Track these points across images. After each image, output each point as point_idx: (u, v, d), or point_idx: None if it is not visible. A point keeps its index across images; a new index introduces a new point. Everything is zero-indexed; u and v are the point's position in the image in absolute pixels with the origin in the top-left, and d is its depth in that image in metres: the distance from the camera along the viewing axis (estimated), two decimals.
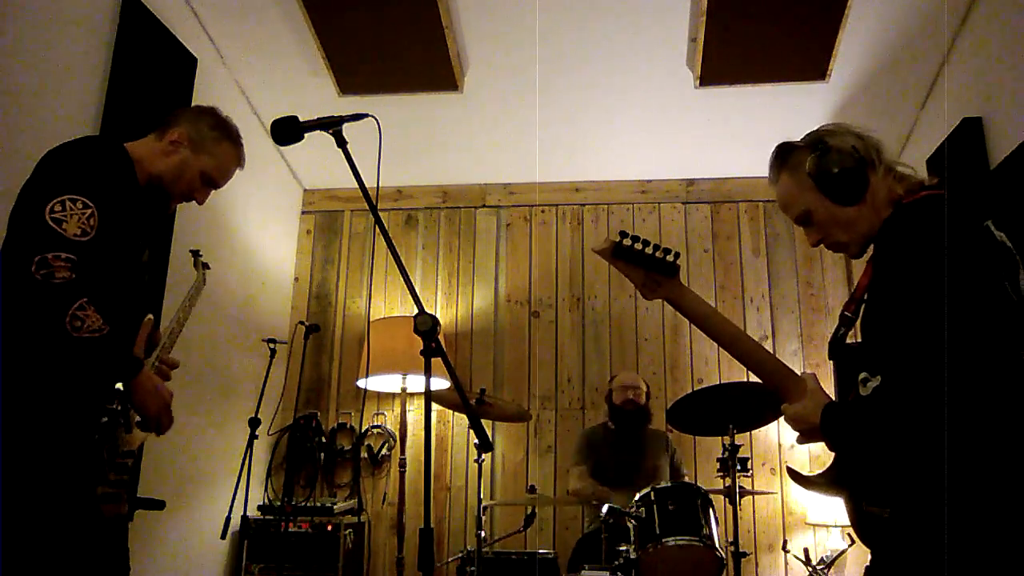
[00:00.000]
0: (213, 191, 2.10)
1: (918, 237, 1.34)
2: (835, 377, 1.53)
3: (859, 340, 1.50)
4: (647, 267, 1.63)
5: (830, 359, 1.56)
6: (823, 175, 1.51)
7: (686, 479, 3.67)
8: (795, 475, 1.64)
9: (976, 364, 1.21)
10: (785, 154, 1.61)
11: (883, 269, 1.40)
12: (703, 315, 1.65)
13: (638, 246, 1.59)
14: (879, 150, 1.53)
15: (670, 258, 1.62)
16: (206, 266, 2.37)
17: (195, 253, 2.38)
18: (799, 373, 1.54)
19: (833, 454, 1.53)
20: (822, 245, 1.59)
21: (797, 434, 1.52)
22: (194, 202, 2.07)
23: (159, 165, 1.96)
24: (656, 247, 1.61)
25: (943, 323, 1.23)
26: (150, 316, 2.00)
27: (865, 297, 1.47)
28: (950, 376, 1.21)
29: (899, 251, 1.37)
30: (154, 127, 2.02)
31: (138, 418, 1.87)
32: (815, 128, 1.60)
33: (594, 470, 3.61)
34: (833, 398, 1.49)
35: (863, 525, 1.44)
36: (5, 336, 1.65)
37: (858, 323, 1.51)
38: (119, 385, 1.81)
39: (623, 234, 1.59)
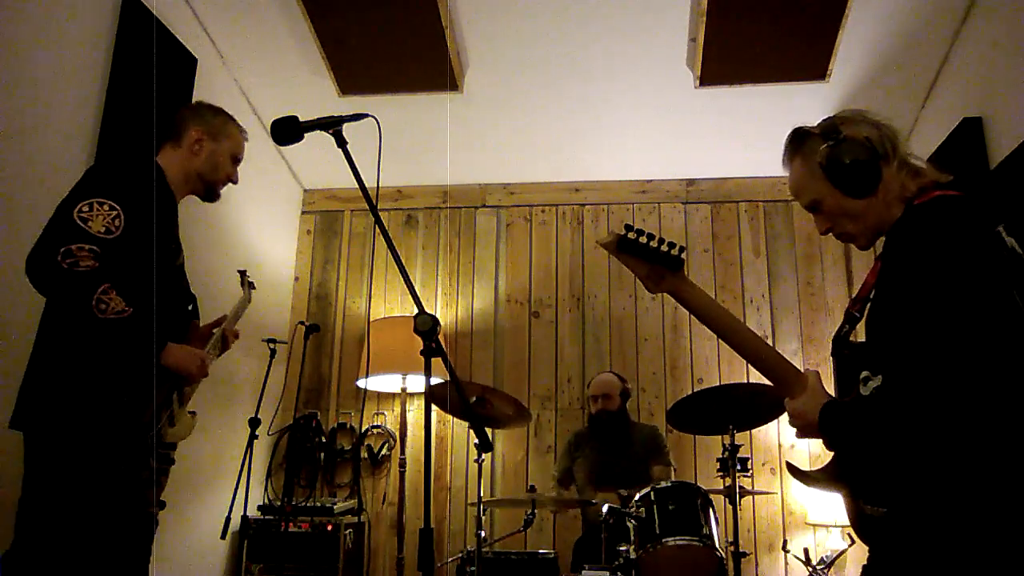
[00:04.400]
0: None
1: (928, 240, 1.32)
2: (835, 375, 1.53)
3: (861, 339, 1.50)
4: (651, 260, 1.63)
5: (832, 356, 1.56)
6: (834, 166, 1.49)
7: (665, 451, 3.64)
8: (794, 470, 1.64)
9: (980, 371, 1.20)
10: (799, 140, 1.58)
11: (891, 270, 1.39)
12: (706, 309, 1.65)
13: (642, 239, 1.59)
14: (894, 142, 1.50)
15: (674, 252, 1.62)
16: (252, 285, 2.66)
17: (242, 273, 2.70)
18: (803, 370, 1.54)
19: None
20: (829, 235, 1.59)
21: (795, 430, 1.52)
22: (204, 197, 2.30)
23: (195, 165, 2.20)
24: (661, 240, 1.61)
25: (949, 328, 1.22)
26: (196, 322, 2.26)
27: (871, 296, 1.46)
28: (953, 381, 1.21)
29: (908, 254, 1.36)
30: (164, 140, 2.22)
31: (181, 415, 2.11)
32: (831, 115, 1.57)
33: (580, 470, 3.66)
34: (833, 396, 1.49)
35: (862, 523, 1.43)
36: (49, 324, 1.89)
37: (862, 321, 1.51)
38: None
39: (627, 227, 1.59)
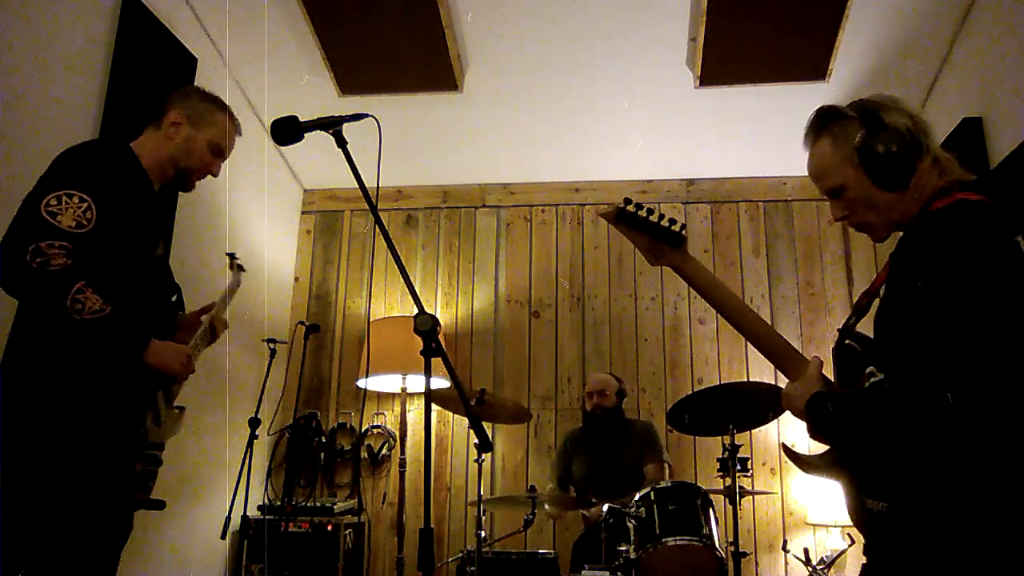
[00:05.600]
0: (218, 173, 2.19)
1: (945, 247, 1.28)
2: (834, 368, 1.52)
3: (862, 332, 1.49)
4: (651, 235, 1.64)
5: (835, 348, 1.56)
6: (871, 154, 1.41)
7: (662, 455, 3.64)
8: (792, 454, 1.65)
9: (987, 379, 1.18)
10: (829, 119, 1.48)
11: (904, 272, 1.36)
12: (708, 287, 1.65)
13: (642, 213, 1.61)
14: (928, 134, 1.43)
15: (676, 228, 1.63)
16: (241, 268, 2.51)
17: (231, 256, 2.54)
18: (808, 357, 1.53)
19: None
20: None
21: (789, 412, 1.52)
22: (198, 195, 2.23)
23: (169, 149, 2.05)
24: (661, 216, 1.62)
25: (958, 335, 1.20)
26: (182, 313, 2.15)
27: (881, 292, 1.44)
28: (958, 386, 1.19)
29: (924, 258, 1.31)
30: (148, 122, 2.10)
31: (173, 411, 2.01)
32: (865, 98, 1.49)
33: (576, 472, 3.66)
34: (832, 382, 1.49)
35: (862, 517, 1.43)
36: (16, 325, 1.75)
37: (868, 316, 1.50)
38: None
39: (627, 201, 1.60)
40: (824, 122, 1.49)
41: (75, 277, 1.70)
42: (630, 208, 1.60)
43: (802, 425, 1.52)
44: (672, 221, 1.63)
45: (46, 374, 1.75)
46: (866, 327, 1.50)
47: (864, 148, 1.42)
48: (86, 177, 1.80)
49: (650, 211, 1.61)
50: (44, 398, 1.73)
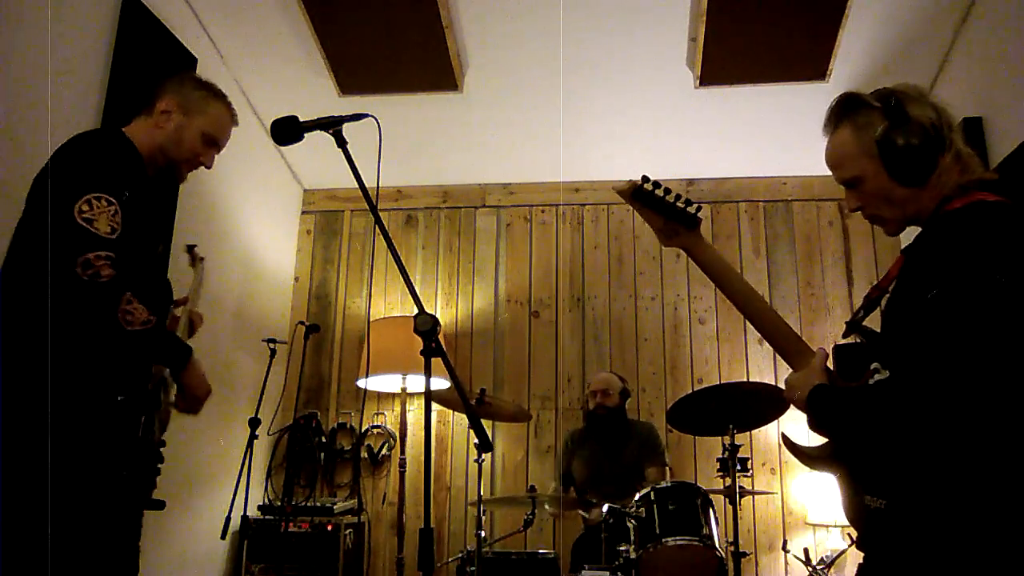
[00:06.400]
0: (213, 172, 2.16)
1: (960, 250, 1.25)
2: (835, 361, 1.51)
3: (869, 326, 1.49)
4: (666, 215, 1.63)
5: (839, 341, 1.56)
6: (891, 147, 1.36)
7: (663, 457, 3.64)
8: (791, 445, 1.64)
9: (991, 385, 1.17)
10: (851, 107, 1.44)
11: (917, 271, 1.34)
12: (719, 270, 1.65)
13: (659, 192, 1.60)
14: (952, 128, 1.39)
15: (691, 209, 1.63)
16: (201, 258, 2.39)
17: (191, 248, 2.41)
18: (814, 349, 1.53)
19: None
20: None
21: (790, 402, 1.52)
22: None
23: (158, 137, 1.98)
24: (678, 196, 1.61)
25: (966, 339, 1.19)
26: (172, 311, 2.09)
27: (891, 288, 1.42)
28: (961, 391, 1.19)
29: (938, 259, 1.29)
30: (140, 109, 2.04)
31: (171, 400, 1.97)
32: (890, 86, 1.44)
33: (577, 471, 3.66)
34: (834, 374, 1.48)
35: (857, 511, 1.43)
36: (52, 335, 1.65)
37: (876, 312, 1.49)
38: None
39: (645, 178, 1.60)
40: (846, 110, 1.45)
41: (122, 288, 1.66)
42: (647, 186, 1.59)
43: (802, 425, 1.52)
44: (688, 202, 1.62)
45: (67, 381, 1.67)
46: (873, 322, 1.49)
47: (885, 141, 1.38)
48: (108, 177, 1.73)
49: (667, 190, 1.60)
50: (60, 403, 1.67)
